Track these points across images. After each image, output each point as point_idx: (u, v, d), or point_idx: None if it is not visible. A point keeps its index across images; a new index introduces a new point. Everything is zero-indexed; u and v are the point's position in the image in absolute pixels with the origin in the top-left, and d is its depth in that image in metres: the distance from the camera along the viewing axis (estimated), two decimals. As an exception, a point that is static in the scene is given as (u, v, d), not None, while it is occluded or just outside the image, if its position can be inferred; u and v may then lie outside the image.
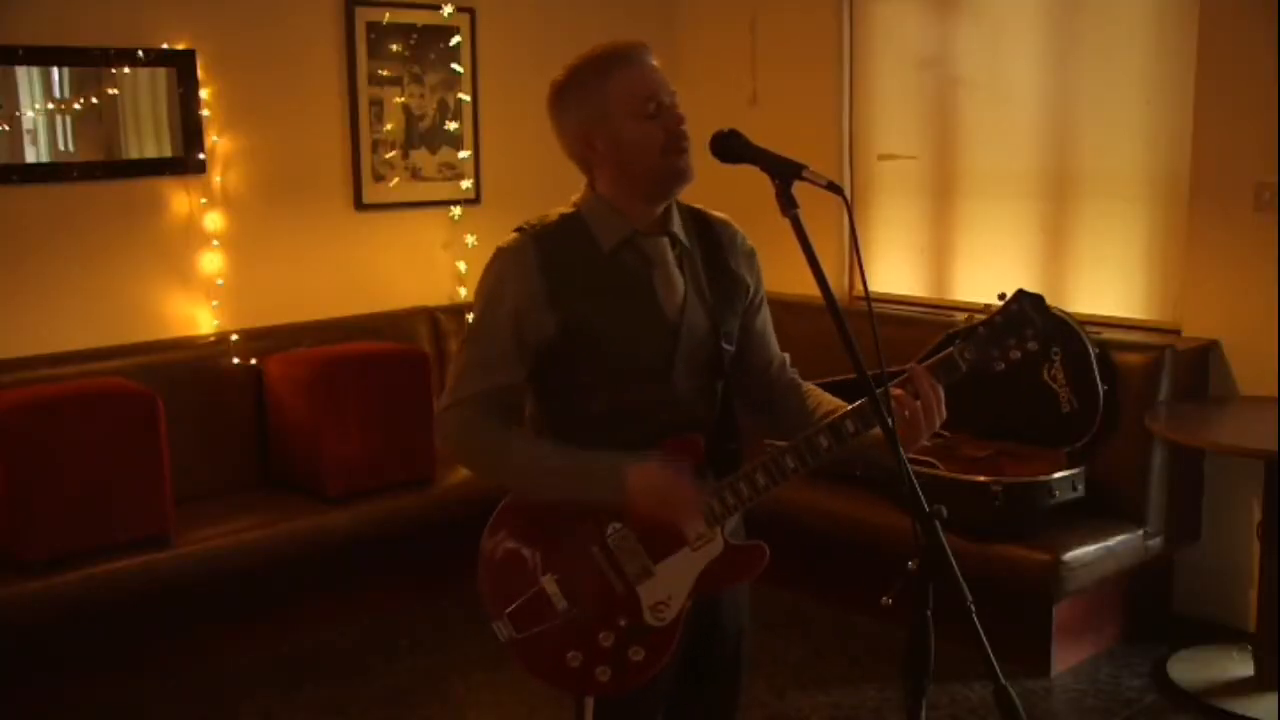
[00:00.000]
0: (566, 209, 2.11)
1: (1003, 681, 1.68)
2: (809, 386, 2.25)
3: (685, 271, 2.11)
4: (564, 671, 2.05)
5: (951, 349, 2.05)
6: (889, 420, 1.85)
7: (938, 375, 2.03)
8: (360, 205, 4.87)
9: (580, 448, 2.03)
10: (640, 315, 2.06)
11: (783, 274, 4.91)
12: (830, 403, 2.19)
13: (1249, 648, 3.89)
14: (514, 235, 2.09)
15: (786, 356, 2.29)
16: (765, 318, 2.25)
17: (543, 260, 2.03)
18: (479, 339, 2.08)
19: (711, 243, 2.17)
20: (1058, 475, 3.87)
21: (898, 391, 1.99)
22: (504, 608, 2.06)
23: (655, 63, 2.07)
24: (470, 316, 2.13)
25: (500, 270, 2.07)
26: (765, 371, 2.25)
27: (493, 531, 2.10)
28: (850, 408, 2.03)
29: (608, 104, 2.03)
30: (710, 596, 2.10)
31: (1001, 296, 2.09)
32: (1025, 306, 2.06)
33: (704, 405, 2.12)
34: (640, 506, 1.98)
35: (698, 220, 2.18)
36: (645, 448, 2.03)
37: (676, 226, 2.12)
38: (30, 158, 4.14)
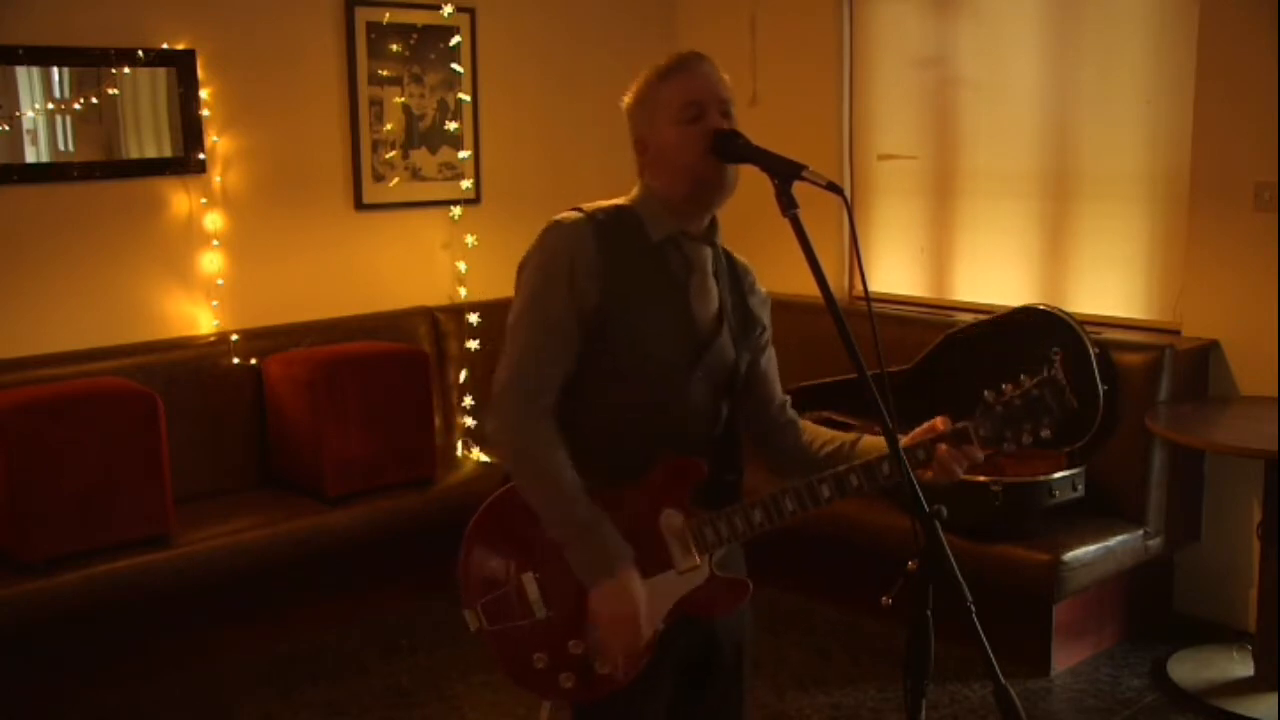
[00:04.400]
0: (619, 200, 2.13)
1: (1003, 681, 1.68)
2: (805, 423, 2.28)
3: (720, 289, 2.14)
4: (528, 671, 2.05)
5: (967, 423, 2.04)
6: (889, 421, 1.86)
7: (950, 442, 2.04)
8: (360, 205, 4.87)
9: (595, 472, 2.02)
10: (672, 312, 2.07)
11: (783, 274, 4.89)
12: (825, 435, 2.21)
13: (1249, 648, 3.89)
14: (569, 211, 2.09)
15: (788, 399, 2.31)
16: (771, 358, 2.28)
17: (596, 234, 2.04)
18: (533, 316, 2.05)
19: (736, 278, 2.20)
20: (1058, 475, 3.87)
21: (944, 449, 2.02)
22: (478, 597, 2.06)
23: (714, 73, 2.10)
24: (520, 290, 2.08)
25: (556, 240, 2.05)
26: (767, 409, 2.27)
27: (482, 520, 2.10)
28: (860, 463, 2.02)
29: (655, 109, 2.07)
30: (705, 617, 2.09)
31: (1022, 380, 2.04)
32: (1046, 394, 2.03)
33: (711, 423, 2.13)
34: (598, 611, 1.98)
35: (727, 256, 2.21)
36: (651, 449, 2.03)
37: (716, 241, 2.16)
38: (30, 158, 4.14)
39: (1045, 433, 2.03)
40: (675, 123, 2.04)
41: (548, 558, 2.03)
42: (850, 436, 2.17)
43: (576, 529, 1.99)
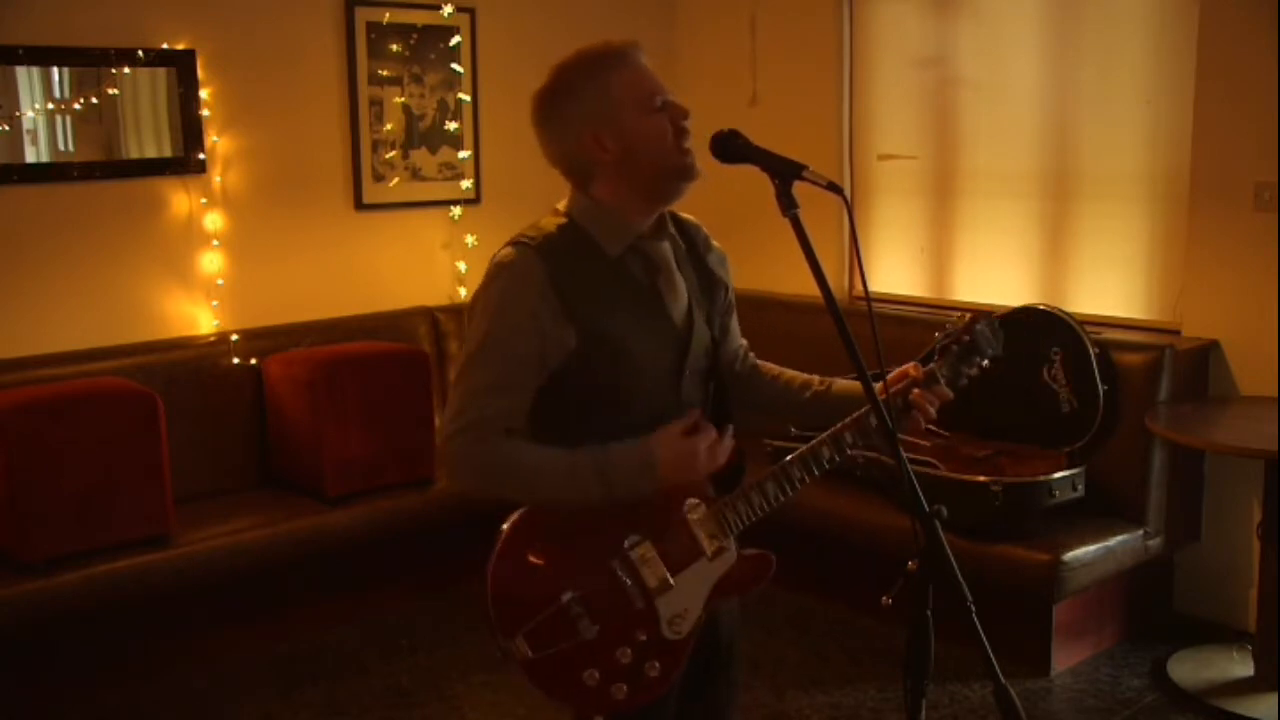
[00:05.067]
0: (558, 218, 2.05)
1: (1003, 681, 1.68)
2: (766, 365, 2.31)
3: (685, 276, 2.11)
4: (580, 691, 2.00)
5: (932, 366, 2.15)
6: (889, 422, 1.87)
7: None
8: (360, 205, 4.87)
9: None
10: (651, 323, 2.04)
11: (783, 274, 4.89)
12: (798, 379, 2.27)
13: (1249, 648, 3.89)
14: (512, 249, 2.00)
15: (745, 343, 2.32)
16: (734, 315, 2.29)
17: (551, 272, 1.96)
18: (486, 360, 1.97)
19: (690, 243, 2.17)
20: (1058, 475, 3.87)
21: (918, 394, 2.12)
22: (519, 627, 1.98)
23: (646, 61, 2.05)
24: (471, 336, 2.01)
25: (507, 286, 1.98)
26: (733, 366, 2.28)
27: (503, 549, 2.01)
28: (850, 419, 2.07)
29: (614, 101, 1.98)
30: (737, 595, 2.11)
31: (962, 316, 2.22)
32: (986, 328, 2.16)
33: (703, 409, 2.12)
34: (676, 476, 1.97)
35: (674, 221, 2.16)
36: None
37: (669, 229, 2.12)
38: (30, 158, 4.14)
39: (986, 362, 2.17)
40: (645, 113, 1.98)
41: (580, 571, 1.99)
42: (818, 381, 2.24)
43: (594, 477, 1.94)
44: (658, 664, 2.01)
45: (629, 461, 1.96)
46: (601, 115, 1.98)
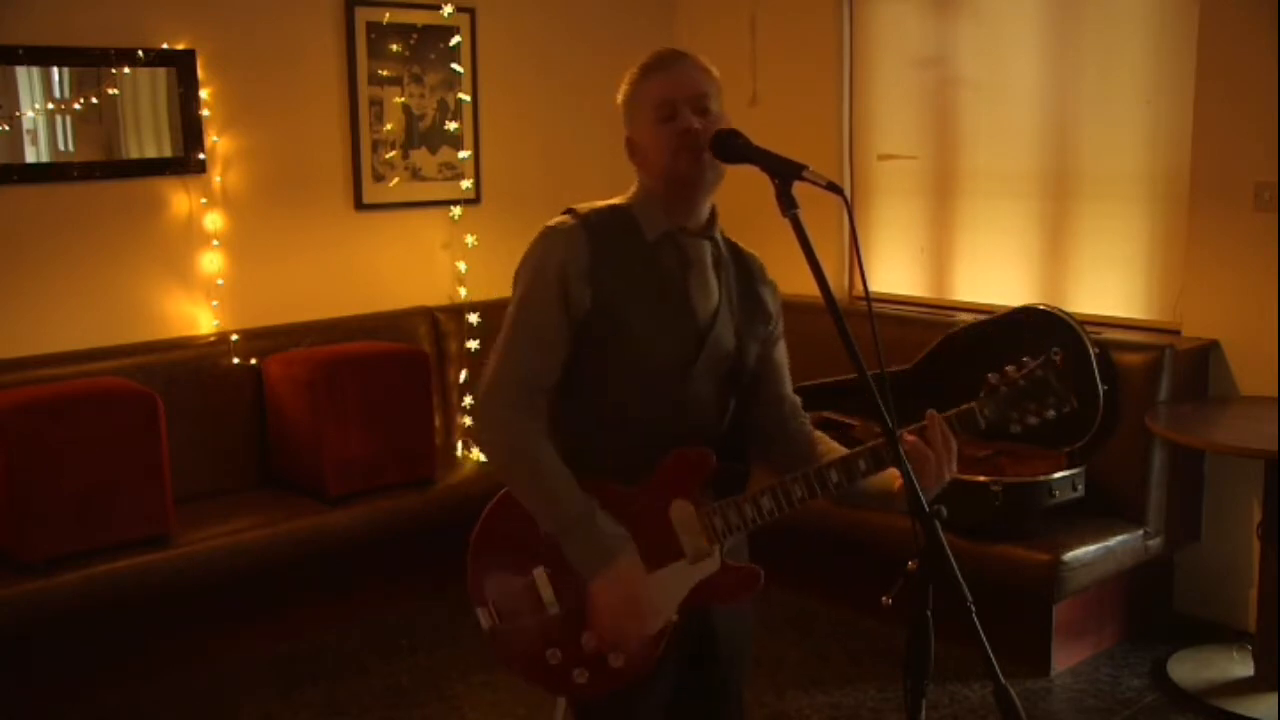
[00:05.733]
0: (618, 200, 2.14)
1: (1003, 681, 1.68)
2: (820, 435, 2.25)
3: (721, 281, 2.13)
4: (541, 668, 2.04)
5: (973, 404, 2.07)
6: (889, 421, 1.86)
7: (954, 427, 2.05)
8: (360, 205, 4.87)
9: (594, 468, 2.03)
10: (669, 311, 2.07)
11: (783, 274, 4.88)
12: (839, 452, 2.19)
13: (1249, 648, 3.89)
14: (563, 216, 2.11)
15: (799, 402, 2.28)
16: (783, 353, 2.27)
17: (589, 238, 2.05)
18: (527, 313, 2.06)
19: (743, 267, 2.20)
20: (1058, 475, 3.87)
21: (910, 437, 1.99)
22: (490, 594, 2.06)
23: (691, 69, 2.08)
24: (513, 296, 2.10)
25: (548, 245, 2.07)
26: (779, 407, 2.25)
27: (486, 520, 2.09)
28: (864, 447, 2.04)
29: (637, 107, 2.10)
30: (704, 608, 2.10)
31: (1025, 362, 2.08)
32: (1050, 375, 2.08)
33: (716, 417, 2.13)
34: (599, 603, 1.98)
35: (731, 246, 2.20)
36: (655, 452, 2.03)
37: (715, 234, 2.15)
38: (30, 158, 4.14)
39: (1050, 412, 2.08)
40: (652, 122, 2.06)
41: (557, 553, 2.03)
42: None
43: (570, 522, 1.99)
44: (622, 656, 2.02)
45: (596, 538, 1.98)
46: (631, 118, 2.12)
